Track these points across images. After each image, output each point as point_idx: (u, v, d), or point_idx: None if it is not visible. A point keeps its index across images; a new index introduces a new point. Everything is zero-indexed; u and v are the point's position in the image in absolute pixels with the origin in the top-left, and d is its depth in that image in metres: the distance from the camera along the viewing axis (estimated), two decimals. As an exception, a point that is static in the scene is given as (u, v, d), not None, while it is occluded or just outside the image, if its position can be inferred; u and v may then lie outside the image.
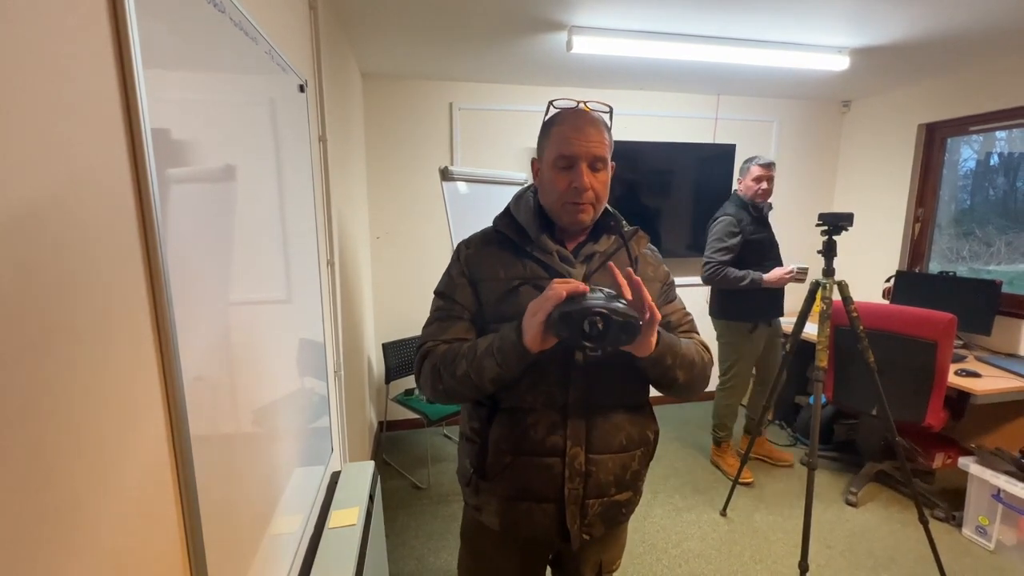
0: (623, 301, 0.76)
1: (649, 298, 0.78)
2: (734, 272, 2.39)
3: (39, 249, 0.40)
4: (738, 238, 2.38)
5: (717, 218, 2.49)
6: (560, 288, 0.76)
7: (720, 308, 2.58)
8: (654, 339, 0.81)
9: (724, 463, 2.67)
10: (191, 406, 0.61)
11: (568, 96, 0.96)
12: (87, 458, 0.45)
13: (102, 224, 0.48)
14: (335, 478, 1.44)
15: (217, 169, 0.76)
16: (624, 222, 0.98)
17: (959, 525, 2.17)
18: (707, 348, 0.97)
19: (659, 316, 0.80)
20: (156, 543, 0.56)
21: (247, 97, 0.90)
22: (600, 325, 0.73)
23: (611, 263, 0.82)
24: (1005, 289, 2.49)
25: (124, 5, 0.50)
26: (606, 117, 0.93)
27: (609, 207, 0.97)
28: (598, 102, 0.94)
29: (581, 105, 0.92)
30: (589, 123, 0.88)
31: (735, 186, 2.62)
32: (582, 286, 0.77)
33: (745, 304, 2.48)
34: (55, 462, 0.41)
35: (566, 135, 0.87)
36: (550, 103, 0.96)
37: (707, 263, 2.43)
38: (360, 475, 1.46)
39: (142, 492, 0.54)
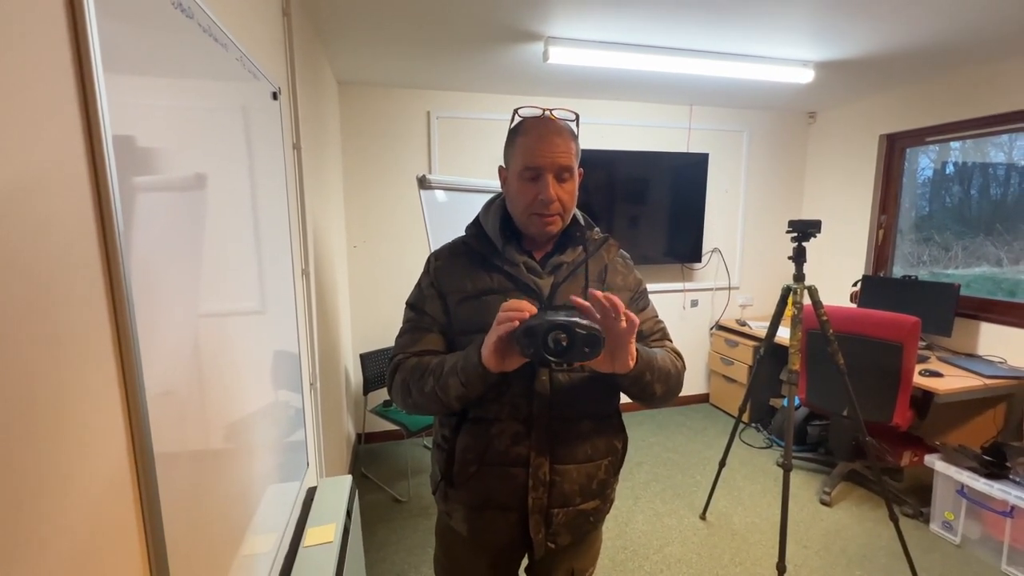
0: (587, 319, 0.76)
1: (622, 307, 0.76)
2: None
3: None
4: None
5: None
6: (513, 315, 0.75)
7: None
8: (633, 354, 0.80)
9: None
10: (155, 422, 0.58)
11: (542, 104, 0.96)
12: (37, 479, 0.43)
13: (55, 231, 0.46)
14: (311, 494, 1.40)
15: (185, 177, 0.74)
16: (596, 229, 0.98)
17: (927, 521, 2.25)
18: (679, 355, 0.97)
19: (636, 322, 0.78)
20: (116, 568, 0.53)
21: (217, 104, 0.88)
22: (564, 340, 0.72)
23: (574, 297, 0.79)
24: (963, 292, 2.61)
25: (83, 6, 0.48)
26: (573, 125, 0.92)
27: (580, 215, 0.96)
28: (564, 110, 0.93)
29: (547, 113, 0.91)
30: (555, 133, 0.87)
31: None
32: (532, 309, 0.76)
33: None
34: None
35: (531, 146, 0.86)
36: (515, 111, 0.95)
37: None
38: (337, 490, 1.42)
39: (100, 515, 0.51)
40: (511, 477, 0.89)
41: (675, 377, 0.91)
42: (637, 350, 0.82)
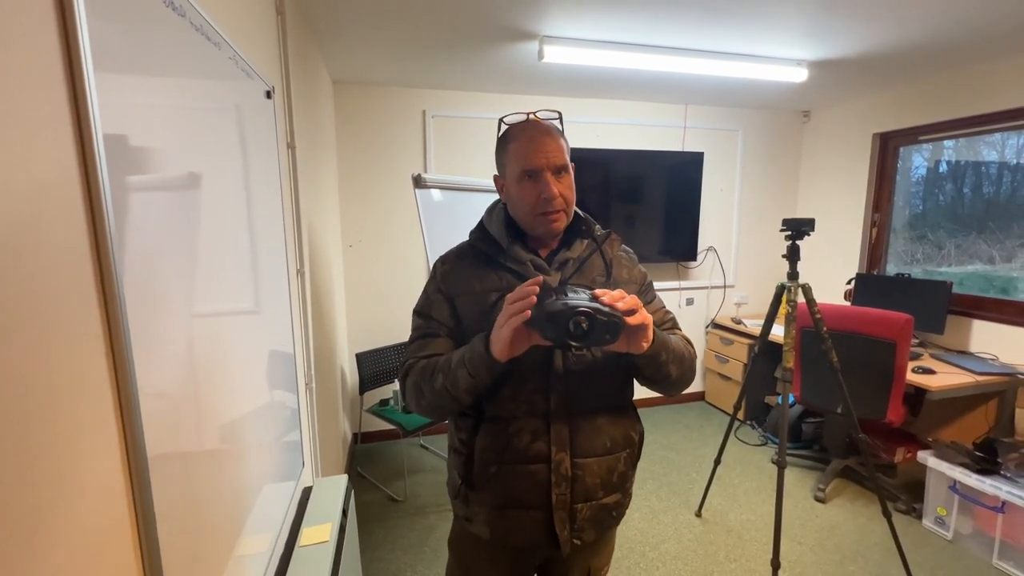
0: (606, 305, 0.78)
1: (638, 302, 0.80)
2: None
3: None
4: None
5: None
6: (523, 304, 0.76)
7: None
8: (649, 337, 0.82)
9: None
10: (148, 424, 0.58)
11: (537, 104, 0.97)
12: (29, 482, 0.42)
13: (45, 233, 0.45)
14: (306, 494, 1.40)
15: (178, 176, 0.73)
16: (597, 226, 0.99)
17: (920, 517, 2.27)
18: (690, 342, 0.99)
19: (650, 319, 0.81)
20: (110, 570, 0.53)
21: (210, 103, 0.88)
22: (584, 324, 0.74)
23: (598, 291, 0.79)
24: (955, 289, 2.63)
25: (73, 5, 0.48)
26: (557, 123, 0.95)
27: (580, 211, 0.98)
28: (547, 110, 0.96)
29: (531, 116, 0.93)
30: (544, 133, 0.89)
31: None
32: (538, 279, 0.79)
33: None
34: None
35: (524, 149, 0.88)
36: (500, 120, 0.97)
37: None
38: (333, 490, 1.42)
39: (93, 517, 0.51)
40: (532, 475, 0.90)
41: (688, 361, 0.94)
42: (653, 332, 0.84)
